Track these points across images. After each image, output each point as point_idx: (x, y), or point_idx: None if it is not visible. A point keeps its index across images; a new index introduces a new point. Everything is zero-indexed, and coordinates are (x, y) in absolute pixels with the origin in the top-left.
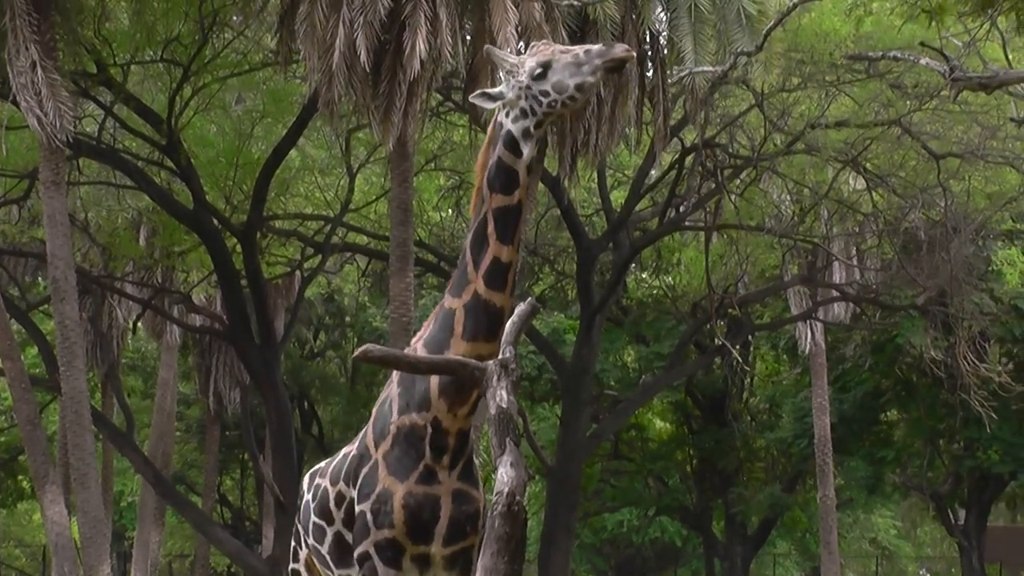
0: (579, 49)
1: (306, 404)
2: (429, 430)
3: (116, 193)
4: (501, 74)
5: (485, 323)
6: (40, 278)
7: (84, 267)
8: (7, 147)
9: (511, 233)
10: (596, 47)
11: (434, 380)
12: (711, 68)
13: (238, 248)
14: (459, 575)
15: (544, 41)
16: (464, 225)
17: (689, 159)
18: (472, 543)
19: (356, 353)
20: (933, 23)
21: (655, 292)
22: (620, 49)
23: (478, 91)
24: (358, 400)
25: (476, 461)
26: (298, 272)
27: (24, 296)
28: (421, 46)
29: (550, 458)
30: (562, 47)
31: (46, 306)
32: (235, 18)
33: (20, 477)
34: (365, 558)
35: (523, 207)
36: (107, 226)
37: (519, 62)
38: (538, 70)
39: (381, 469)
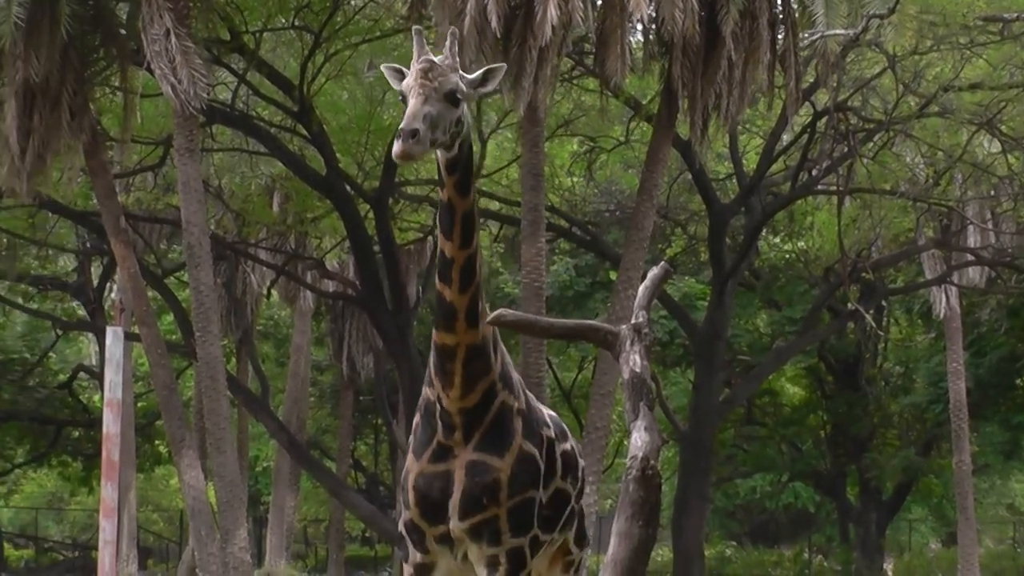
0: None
1: None
2: (438, 406)
3: (249, 160)
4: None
5: (440, 314)
6: (175, 244)
7: (218, 233)
8: (142, 114)
9: (448, 228)
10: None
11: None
12: (843, 31)
13: (370, 214)
14: (490, 546)
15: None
16: (596, 190)
17: (821, 123)
18: (495, 514)
19: (490, 317)
20: None
21: (787, 256)
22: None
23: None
24: None
25: (516, 424)
26: (429, 237)
27: (159, 263)
28: (552, 12)
29: (683, 423)
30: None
31: (181, 272)
32: None
33: (157, 442)
34: (401, 538)
35: (452, 204)
36: (240, 192)
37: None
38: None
39: (410, 445)
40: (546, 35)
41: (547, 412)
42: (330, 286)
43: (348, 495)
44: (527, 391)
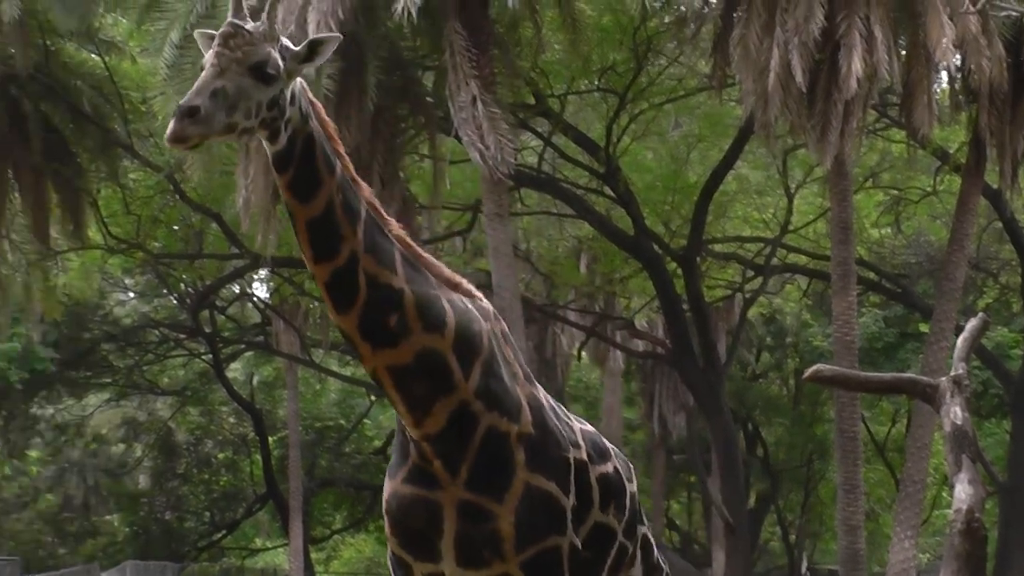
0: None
1: (750, 426)
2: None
3: (557, 222)
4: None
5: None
6: None
7: (528, 296)
8: (450, 180)
9: (300, 239)
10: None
11: None
12: None
13: (678, 272)
14: None
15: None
16: (904, 242)
17: None
18: (504, 571)
19: (807, 373)
20: None
21: None
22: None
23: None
24: (802, 421)
25: (518, 454)
26: (738, 294)
27: None
28: (856, 65)
29: (1000, 475)
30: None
31: None
32: (669, 45)
33: None
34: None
35: (291, 211)
36: (549, 255)
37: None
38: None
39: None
40: (851, 88)
41: (580, 427)
42: (640, 345)
43: (663, 554)
44: (552, 404)
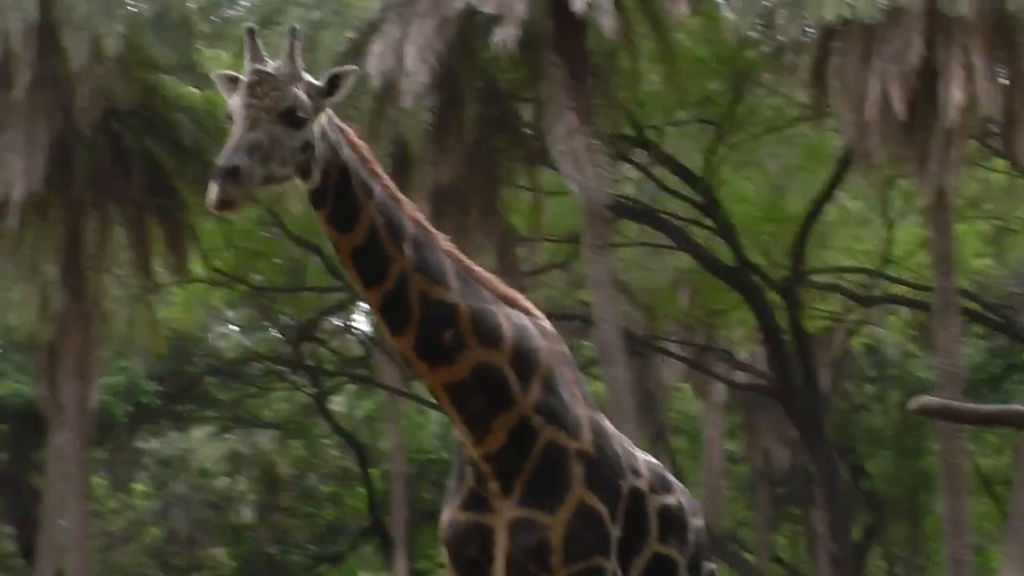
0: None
1: (854, 458)
2: (466, 448)
3: (656, 253)
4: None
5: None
6: (586, 340)
7: (628, 328)
8: (550, 212)
9: (349, 269)
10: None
11: None
12: None
13: (780, 303)
14: None
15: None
16: (1007, 272)
17: None
18: None
19: (913, 405)
20: None
21: None
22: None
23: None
24: (907, 452)
25: (575, 468)
26: (841, 325)
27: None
28: (957, 95)
29: None
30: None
31: (594, 368)
32: (766, 75)
33: None
34: None
35: (335, 244)
36: (649, 287)
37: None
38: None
39: None
40: (951, 118)
41: (645, 458)
42: (741, 377)
43: None
44: (615, 432)
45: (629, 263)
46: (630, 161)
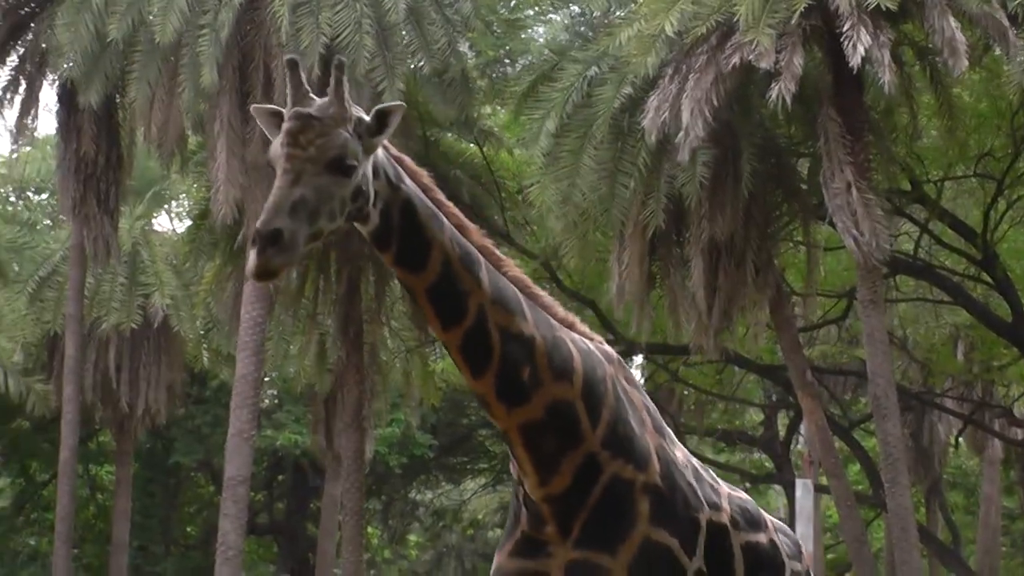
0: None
1: None
2: (521, 489)
3: (933, 309)
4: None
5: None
6: (861, 396)
7: (904, 384)
8: (824, 268)
9: (423, 310)
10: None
11: None
12: None
13: None
14: None
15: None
16: None
17: None
18: None
19: None
20: None
21: None
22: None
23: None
24: None
25: (641, 504)
26: None
27: (846, 414)
28: None
29: None
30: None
31: (867, 423)
32: None
33: None
34: None
35: (406, 285)
36: (925, 342)
37: None
38: None
39: None
40: None
41: (731, 493)
42: (1019, 434)
43: None
44: (693, 462)
45: (906, 319)
46: (907, 216)
